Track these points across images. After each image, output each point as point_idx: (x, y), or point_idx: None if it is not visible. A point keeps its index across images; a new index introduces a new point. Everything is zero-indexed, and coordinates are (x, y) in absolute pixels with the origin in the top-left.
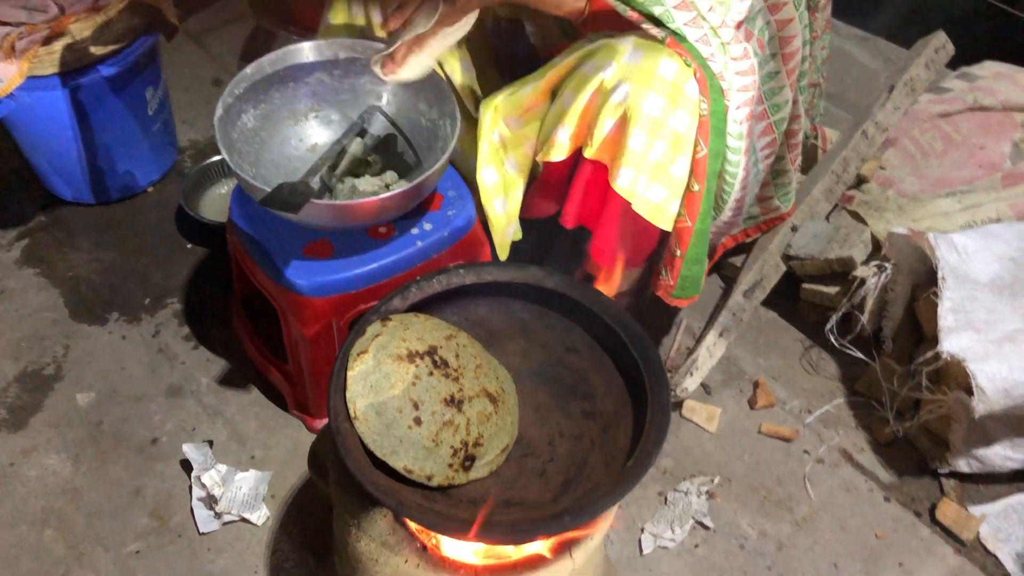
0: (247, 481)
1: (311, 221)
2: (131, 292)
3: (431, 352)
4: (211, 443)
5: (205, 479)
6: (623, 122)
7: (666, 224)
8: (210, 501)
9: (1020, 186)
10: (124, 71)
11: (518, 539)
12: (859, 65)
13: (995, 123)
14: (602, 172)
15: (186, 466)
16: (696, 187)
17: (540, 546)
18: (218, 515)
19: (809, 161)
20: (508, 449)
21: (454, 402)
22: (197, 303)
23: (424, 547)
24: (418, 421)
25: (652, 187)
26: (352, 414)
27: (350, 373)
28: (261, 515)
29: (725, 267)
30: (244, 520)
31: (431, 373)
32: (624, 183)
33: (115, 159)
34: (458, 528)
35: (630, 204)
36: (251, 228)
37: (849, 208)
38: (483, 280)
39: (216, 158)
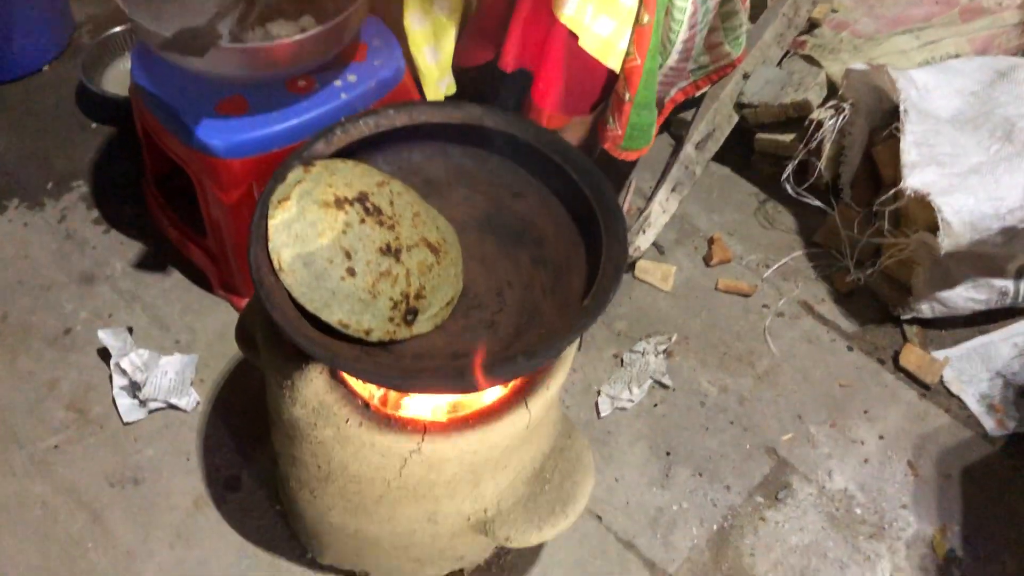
0: (172, 365)
1: (221, 71)
2: (31, 177)
3: (361, 199)
4: (131, 330)
5: (125, 364)
6: None
7: (615, 62)
8: (133, 389)
9: (979, 20)
10: None
11: (467, 385)
12: None
13: None
14: (544, 3)
15: (104, 355)
16: (646, 18)
17: (493, 397)
18: (143, 403)
19: (757, 9)
20: (453, 302)
21: (391, 251)
22: (106, 184)
23: (366, 404)
24: (352, 272)
25: (600, 19)
26: (277, 265)
27: (271, 222)
28: (190, 400)
29: (675, 124)
30: (172, 407)
31: (363, 220)
32: (570, 11)
33: (1, 32)
34: (399, 377)
35: (575, 39)
36: (156, 88)
37: (802, 53)
38: (416, 122)
39: (117, 29)
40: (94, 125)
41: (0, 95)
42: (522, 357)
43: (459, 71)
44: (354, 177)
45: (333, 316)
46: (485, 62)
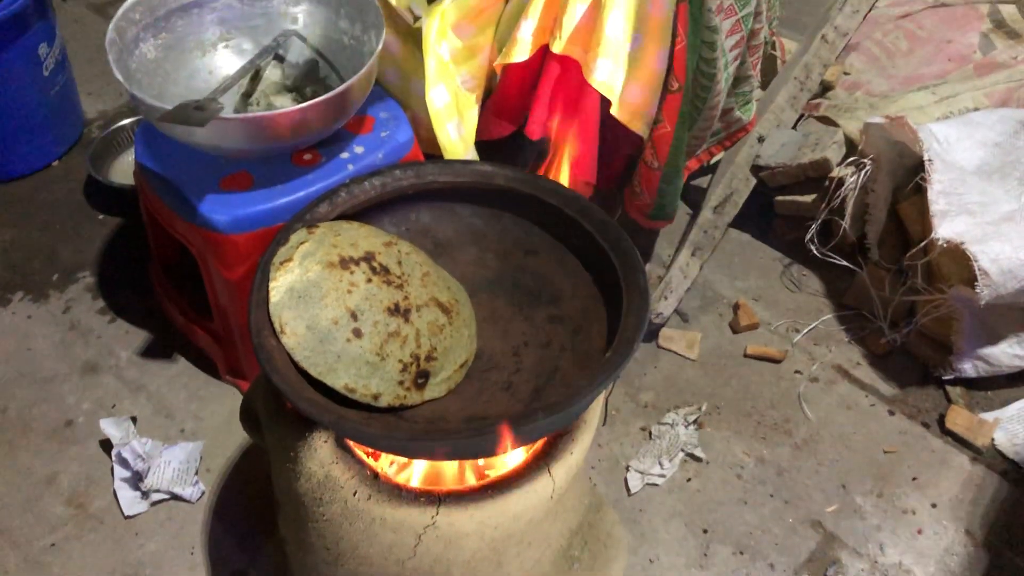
0: (176, 455)
1: (223, 143)
2: (36, 269)
3: (368, 258)
4: (134, 419)
5: (126, 454)
6: (596, 6)
7: (644, 129)
8: (135, 480)
9: (995, 74)
10: (9, 19)
11: (485, 448)
12: None
13: (960, 16)
14: (572, 70)
15: (107, 447)
16: (675, 85)
17: (513, 463)
18: (145, 495)
19: (768, 74)
20: (467, 365)
21: (399, 311)
22: (112, 274)
23: (375, 475)
24: (358, 333)
25: (631, 87)
26: (278, 328)
27: (273, 284)
28: (195, 491)
29: (690, 191)
30: (176, 497)
31: (369, 280)
32: (602, 76)
33: (11, 127)
34: (409, 441)
35: (605, 108)
36: (160, 167)
37: (817, 115)
38: (423, 181)
39: (125, 122)
40: (101, 217)
41: (9, 190)
42: (543, 414)
43: (481, 144)
44: (360, 237)
45: (339, 380)
46: (509, 134)
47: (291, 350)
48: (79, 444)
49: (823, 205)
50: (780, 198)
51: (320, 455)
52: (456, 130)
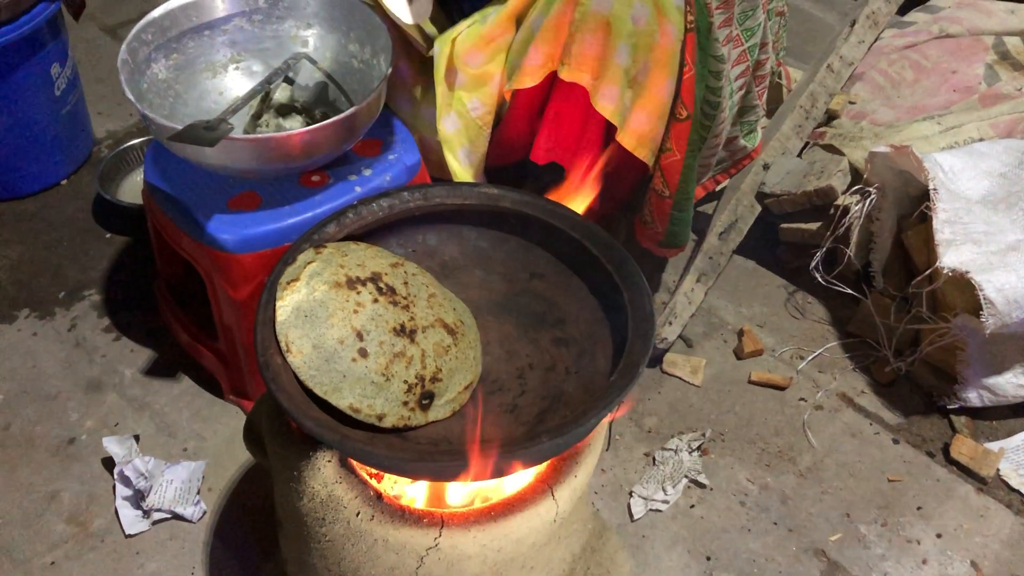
0: (178, 474)
1: (232, 163)
2: (43, 287)
3: (374, 279)
4: (137, 438)
5: (129, 472)
6: (605, 34)
7: (649, 157)
8: (137, 499)
9: (1000, 105)
10: (24, 40)
11: (488, 470)
12: (813, 19)
13: (965, 47)
14: (579, 97)
15: (109, 465)
16: (684, 113)
17: (516, 486)
18: (146, 514)
19: (773, 103)
20: (472, 386)
21: (405, 332)
22: (118, 293)
23: (379, 495)
24: (363, 353)
25: (636, 114)
26: (284, 347)
27: (279, 303)
28: (197, 510)
29: (696, 218)
30: (177, 517)
31: (376, 300)
32: (609, 103)
33: (22, 145)
34: (412, 462)
35: (611, 134)
36: (169, 186)
37: (822, 143)
38: (431, 203)
39: (135, 141)
40: (108, 235)
41: (18, 207)
42: (547, 437)
43: (489, 169)
44: (367, 258)
45: (343, 400)
46: (517, 160)
47: (296, 369)
48: (81, 462)
49: (828, 233)
50: (785, 225)
51: (323, 475)
52: (467, 156)
